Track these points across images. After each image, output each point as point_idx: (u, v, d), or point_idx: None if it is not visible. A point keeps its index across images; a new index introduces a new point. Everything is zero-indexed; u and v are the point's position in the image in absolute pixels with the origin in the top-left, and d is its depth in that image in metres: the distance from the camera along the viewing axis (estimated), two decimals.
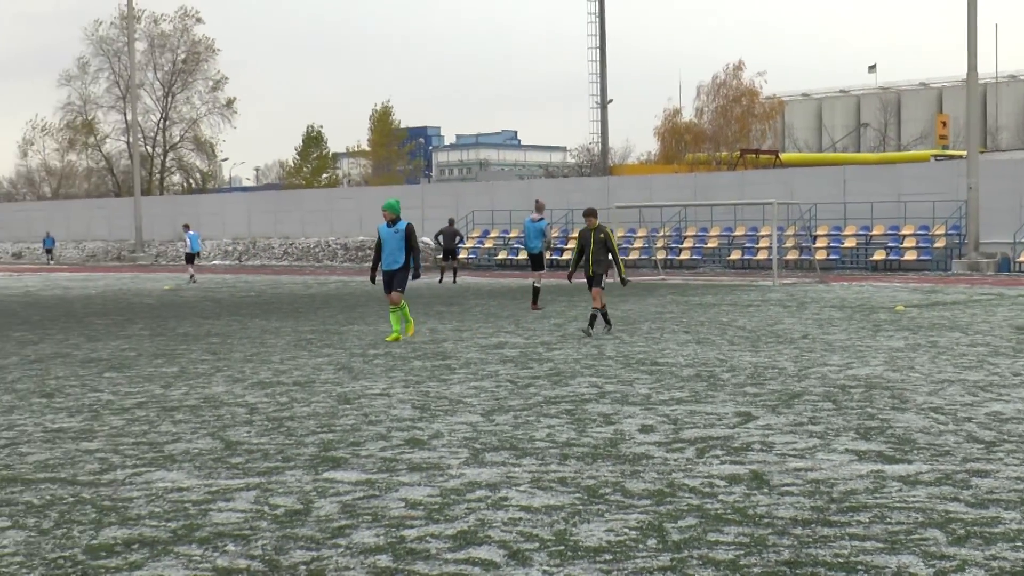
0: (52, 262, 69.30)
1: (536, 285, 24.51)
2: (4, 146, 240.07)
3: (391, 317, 18.18)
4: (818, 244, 46.27)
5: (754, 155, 68.29)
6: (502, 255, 54.96)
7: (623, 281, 19.38)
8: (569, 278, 20.06)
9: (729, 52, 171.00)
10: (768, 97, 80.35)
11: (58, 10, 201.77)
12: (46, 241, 70.55)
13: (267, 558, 6.20)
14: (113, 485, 8.00)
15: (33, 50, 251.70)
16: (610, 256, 18.79)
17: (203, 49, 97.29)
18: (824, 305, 25.33)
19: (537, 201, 26.72)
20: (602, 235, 18.78)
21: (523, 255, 53.61)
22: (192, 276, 41.12)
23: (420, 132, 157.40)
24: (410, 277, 17.99)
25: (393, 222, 17.94)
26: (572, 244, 53.92)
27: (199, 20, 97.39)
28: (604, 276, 18.82)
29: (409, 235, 17.85)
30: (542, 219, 25.53)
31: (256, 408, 11.39)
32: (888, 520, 6.80)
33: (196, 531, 6.76)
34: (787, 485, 7.71)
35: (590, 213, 19.05)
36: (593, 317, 18.84)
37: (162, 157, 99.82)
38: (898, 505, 7.15)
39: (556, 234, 54.87)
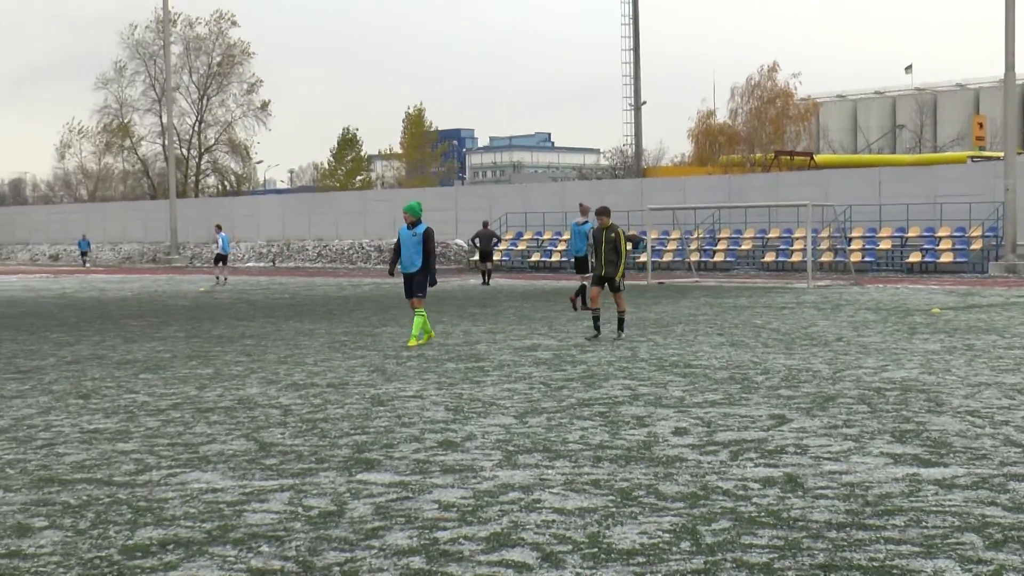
0: (88, 264, 69.51)
1: (585, 284, 24.58)
2: (42, 149, 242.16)
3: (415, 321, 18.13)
4: (853, 246, 46.01)
5: (788, 157, 68.00)
6: (535, 257, 54.96)
7: (618, 284, 18.49)
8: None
9: (763, 53, 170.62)
10: (803, 98, 80.00)
11: (97, 13, 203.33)
12: (81, 243, 70.50)
13: (301, 559, 6.22)
14: (148, 486, 8.05)
15: (70, 53, 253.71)
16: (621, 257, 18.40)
17: (238, 52, 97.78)
18: (859, 307, 25.19)
19: (582, 204, 26.62)
20: (613, 235, 18.29)
21: (556, 257, 53.66)
22: (223, 278, 41.13)
23: (453, 134, 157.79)
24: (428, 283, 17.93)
25: (413, 224, 17.70)
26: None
27: (234, 23, 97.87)
28: (616, 279, 18.34)
29: (426, 239, 17.61)
30: (587, 222, 25.43)
31: (290, 410, 11.44)
32: (924, 524, 6.75)
33: (230, 532, 6.79)
34: (821, 488, 7.67)
35: (602, 212, 18.56)
36: (621, 320, 18.68)
37: (197, 160, 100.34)
38: (934, 509, 7.10)
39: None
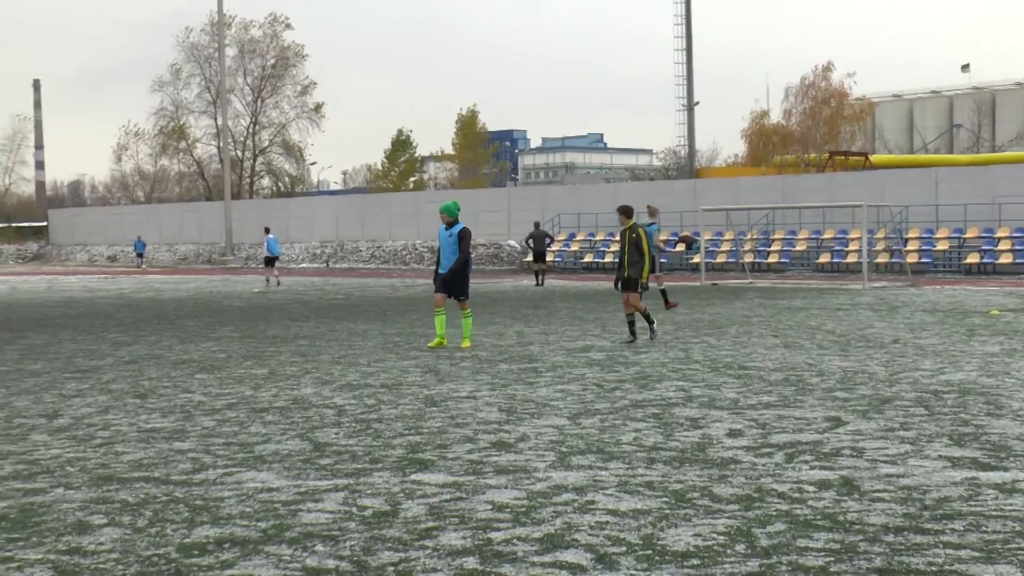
0: (143, 265, 69.54)
1: (659, 288, 25.33)
2: (100, 151, 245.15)
3: (436, 321, 17.65)
4: (909, 247, 45.57)
5: (843, 157, 67.47)
6: (588, 258, 54.89)
7: (642, 285, 17.80)
8: (616, 284, 18.44)
9: (818, 53, 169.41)
10: (858, 98, 79.29)
11: (158, 16, 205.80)
12: (137, 244, 70.12)
13: (355, 559, 6.25)
14: (205, 485, 8.11)
15: (130, 57, 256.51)
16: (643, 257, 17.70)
17: (292, 54, 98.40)
18: (916, 309, 24.95)
19: (649, 206, 26.81)
20: (634, 235, 17.62)
21: (609, 258, 53.54)
22: (275, 280, 41.04)
23: (506, 135, 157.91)
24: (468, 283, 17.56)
25: (450, 225, 17.47)
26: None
27: (288, 26, 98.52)
28: (640, 280, 17.69)
29: (461, 239, 17.34)
30: (653, 223, 25.69)
31: (344, 410, 11.49)
32: (984, 528, 6.67)
33: (286, 531, 6.83)
34: (878, 491, 7.60)
35: (622, 211, 17.81)
36: (631, 324, 17.97)
37: (251, 161, 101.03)
38: (994, 513, 7.01)
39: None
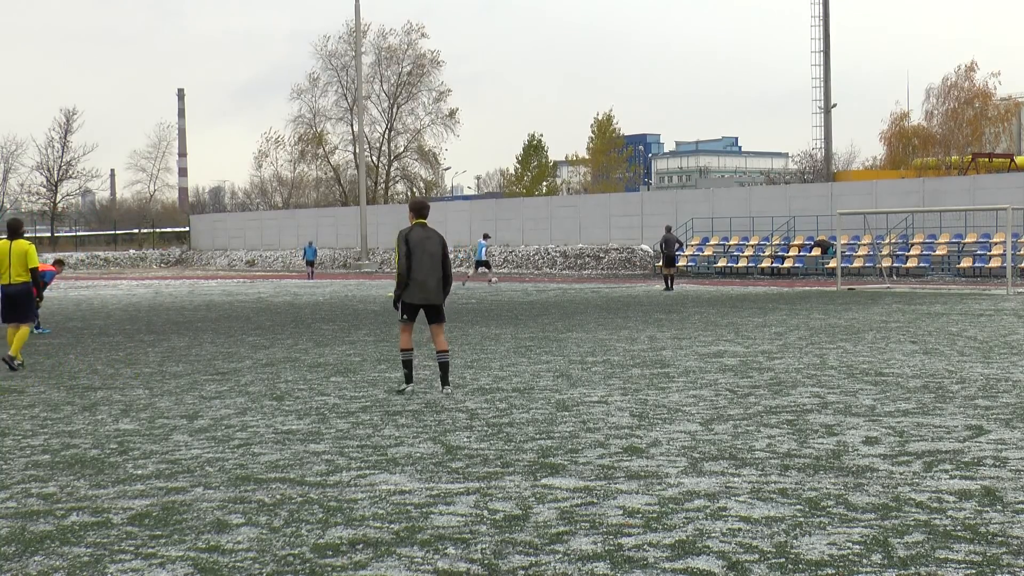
0: (314, 275, 58.44)
1: None
2: (244, 158, 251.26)
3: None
4: None
5: (987, 159, 65.78)
6: (722, 262, 54.41)
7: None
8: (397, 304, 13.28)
9: (960, 52, 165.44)
10: (1003, 98, 77.34)
11: (327, 29, 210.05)
12: (307, 250, 59.92)
13: (486, 562, 6.28)
14: (339, 486, 8.23)
15: (280, 66, 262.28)
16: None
17: (427, 61, 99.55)
18: None
19: None
20: (438, 245, 13.00)
21: (743, 263, 53.02)
22: (494, 280, 41.76)
23: (639, 139, 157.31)
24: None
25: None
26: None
27: (424, 35, 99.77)
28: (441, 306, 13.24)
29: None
30: None
31: (476, 414, 11.55)
32: None
33: (417, 533, 6.89)
34: (1022, 503, 7.38)
35: (414, 207, 13.21)
36: (444, 365, 13.15)
37: (387, 167, 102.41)
38: None
39: (777, 241, 54.01)
